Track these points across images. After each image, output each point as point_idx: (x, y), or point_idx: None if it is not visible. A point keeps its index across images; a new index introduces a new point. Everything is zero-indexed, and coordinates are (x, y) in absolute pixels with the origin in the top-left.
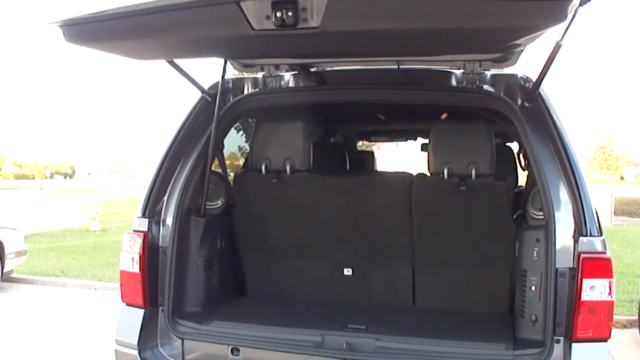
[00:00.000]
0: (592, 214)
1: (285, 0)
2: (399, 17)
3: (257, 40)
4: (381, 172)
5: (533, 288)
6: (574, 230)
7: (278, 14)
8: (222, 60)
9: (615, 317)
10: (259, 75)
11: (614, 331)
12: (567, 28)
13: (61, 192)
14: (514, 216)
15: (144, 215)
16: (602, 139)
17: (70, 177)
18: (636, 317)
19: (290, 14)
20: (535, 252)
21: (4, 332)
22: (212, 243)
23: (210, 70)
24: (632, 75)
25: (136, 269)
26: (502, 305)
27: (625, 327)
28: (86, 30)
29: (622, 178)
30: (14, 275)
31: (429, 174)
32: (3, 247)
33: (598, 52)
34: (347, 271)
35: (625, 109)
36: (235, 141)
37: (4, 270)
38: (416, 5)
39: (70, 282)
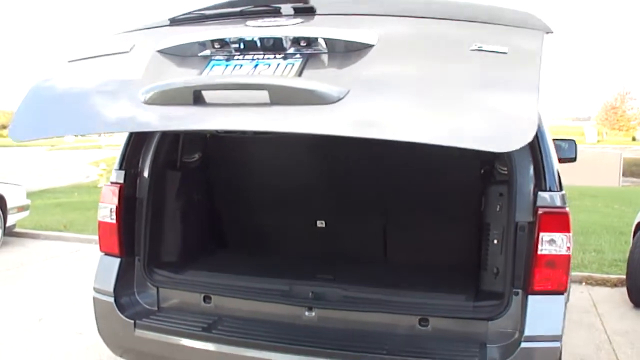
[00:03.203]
0: (552, 170)
1: None
2: None
3: None
4: None
5: (495, 241)
6: (534, 185)
7: None
8: None
9: (607, 276)
10: None
11: (605, 290)
12: None
13: (71, 149)
14: (482, 171)
15: (120, 168)
16: (615, 99)
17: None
18: None
19: None
20: (498, 206)
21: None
22: (189, 196)
23: None
24: None
25: (113, 219)
26: (470, 259)
27: (615, 285)
28: None
29: (634, 139)
30: (17, 229)
31: None
32: (5, 202)
33: (609, 10)
34: (320, 223)
35: (638, 67)
36: None
37: (7, 225)
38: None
39: (72, 236)
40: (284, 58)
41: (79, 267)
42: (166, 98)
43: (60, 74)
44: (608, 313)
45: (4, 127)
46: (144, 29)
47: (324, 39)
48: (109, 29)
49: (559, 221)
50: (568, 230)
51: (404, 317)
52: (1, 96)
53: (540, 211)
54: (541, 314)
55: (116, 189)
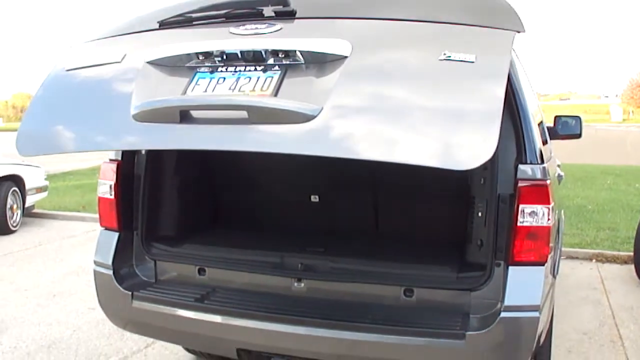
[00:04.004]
0: (533, 143)
1: None
2: None
3: None
4: None
5: (479, 214)
6: (515, 158)
7: None
8: None
9: (617, 253)
10: None
11: (615, 266)
12: None
13: None
14: None
15: None
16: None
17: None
18: None
19: None
20: (482, 179)
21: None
22: (186, 172)
23: None
24: None
25: (112, 195)
26: (458, 232)
27: (625, 262)
28: None
29: None
30: (35, 210)
31: None
32: (24, 183)
33: None
34: (314, 198)
35: None
36: None
37: (25, 206)
38: None
39: (89, 216)
40: (264, 70)
41: (95, 246)
42: (155, 116)
43: (58, 85)
44: (615, 289)
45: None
46: (135, 32)
47: (300, 51)
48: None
49: (539, 193)
50: (548, 202)
51: (390, 287)
52: (24, 79)
53: (520, 183)
54: (521, 284)
55: (114, 166)
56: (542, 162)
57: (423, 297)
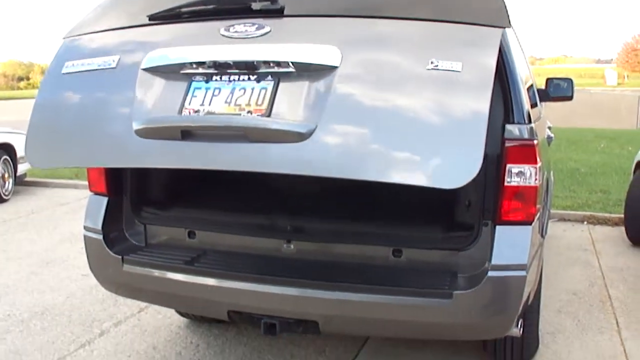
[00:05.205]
0: (521, 104)
1: None
2: None
3: None
4: None
5: None
6: (503, 119)
7: None
8: None
9: (608, 215)
10: None
11: (606, 228)
12: None
13: None
14: None
15: None
16: (635, 41)
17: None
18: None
19: None
20: None
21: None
22: None
23: None
24: None
25: None
26: (447, 193)
27: (616, 224)
28: None
29: None
30: (27, 178)
31: None
32: (15, 151)
33: None
34: None
35: None
36: None
37: (17, 174)
38: None
39: (82, 184)
40: (257, 80)
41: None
42: (157, 133)
43: (57, 92)
44: (605, 251)
45: (21, 79)
46: (126, 28)
47: (291, 62)
48: None
49: (526, 153)
50: (535, 162)
51: (379, 248)
52: (18, 47)
53: (507, 143)
54: (508, 243)
55: None
56: (530, 122)
57: (412, 257)
